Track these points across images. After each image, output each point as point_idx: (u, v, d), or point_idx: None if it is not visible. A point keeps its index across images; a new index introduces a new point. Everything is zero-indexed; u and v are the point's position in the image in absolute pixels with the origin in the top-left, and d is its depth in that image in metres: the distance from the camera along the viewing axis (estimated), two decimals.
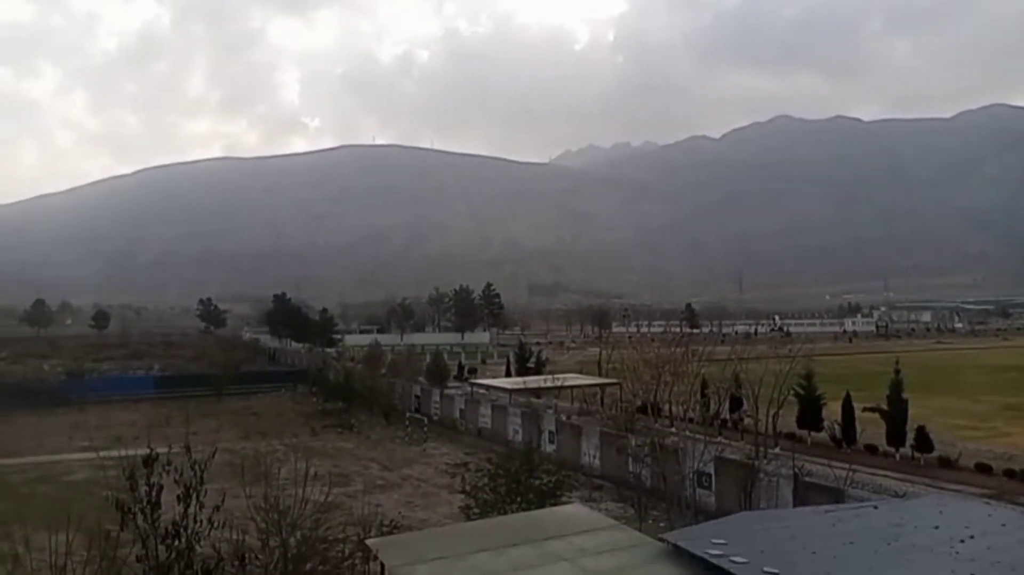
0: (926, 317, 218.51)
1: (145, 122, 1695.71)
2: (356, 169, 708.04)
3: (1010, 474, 35.23)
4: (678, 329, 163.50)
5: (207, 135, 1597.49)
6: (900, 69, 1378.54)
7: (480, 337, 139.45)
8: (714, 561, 12.19)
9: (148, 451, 12.14)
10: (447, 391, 56.18)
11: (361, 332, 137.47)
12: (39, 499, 29.54)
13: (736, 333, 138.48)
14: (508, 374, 68.85)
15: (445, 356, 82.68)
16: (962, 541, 16.15)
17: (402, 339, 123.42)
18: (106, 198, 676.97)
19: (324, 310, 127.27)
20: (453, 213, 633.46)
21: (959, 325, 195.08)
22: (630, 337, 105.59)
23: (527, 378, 55.34)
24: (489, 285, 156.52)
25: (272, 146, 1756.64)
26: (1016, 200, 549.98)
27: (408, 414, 50.52)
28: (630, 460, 30.45)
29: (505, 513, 19.53)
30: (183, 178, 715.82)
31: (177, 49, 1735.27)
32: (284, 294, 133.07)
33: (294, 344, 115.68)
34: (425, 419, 49.12)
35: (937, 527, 17.20)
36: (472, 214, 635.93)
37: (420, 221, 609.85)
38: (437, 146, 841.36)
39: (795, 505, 23.30)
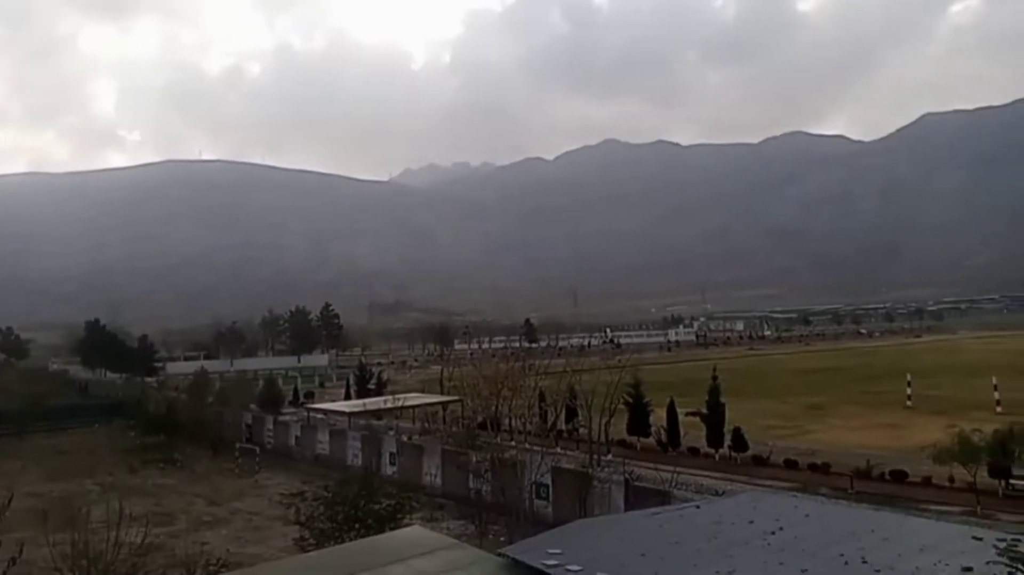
0: (739, 326, 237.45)
1: None
2: (181, 186, 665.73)
3: (813, 468, 38.94)
4: (518, 344, 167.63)
5: (10, 148, 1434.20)
6: (713, 98, 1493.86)
7: (318, 360, 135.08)
8: (550, 571, 12.41)
9: None
10: (281, 418, 53.79)
11: (186, 359, 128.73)
12: None
13: (572, 346, 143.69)
14: (348, 397, 67.19)
15: (280, 381, 79.36)
16: (773, 533, 17.62)
17: (232, 365, 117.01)
18: None
19: (144, 336, 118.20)
20: (288, 232, 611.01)
21: (768, 333, 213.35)
22: (471, 354, 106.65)
23: (367, 400, 54.29)
24: (327, 305, 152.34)
25: (86, 160, 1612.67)
26: (813, 220, 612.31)
27: (238, 444, 47.83)
28: (471, 477, 30.60)
29: (342, 541, 18.98)
30: None
31: None
32: (98, 320, 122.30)
33: (110, 374, 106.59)
34: (257, 449, 46.71)
35: (752, 522, 18.65)
36: (309, 233, 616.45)
37: (252, 240, 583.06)
38: (269, 162, 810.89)
39: (626, 509, 24.37)
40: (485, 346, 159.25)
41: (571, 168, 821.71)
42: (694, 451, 44.43)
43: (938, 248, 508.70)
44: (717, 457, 43.12)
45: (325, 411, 53.05)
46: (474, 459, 30.74)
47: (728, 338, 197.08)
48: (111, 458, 49.83)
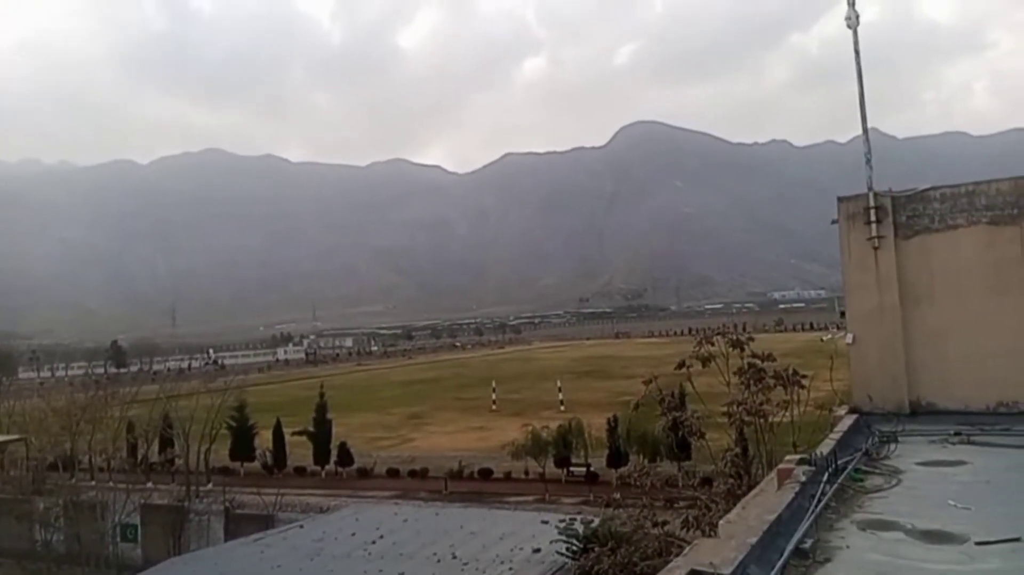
0: (349, 342, 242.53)
1: None
2: None
3: (413, 474, 41.45)
4: (102, 370, 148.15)
5: None
6: (321, 117, 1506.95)
7: None
8: None
9: None
10: None
11: None
12: None
13: (169, 370, 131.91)
14: None
15: None
16: (374, 542, 18.44)
17: None
18: None
19: None
20: None
21: (375, 348, 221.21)
22: (42, 383, 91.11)
23: None
24: None
25: None
26: (416, 241, 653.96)
27: None
28: (38, 527, 26.18)
29: None
30: None
31: None
32: None
33: None
34: None
35: (354, 534, 19.25)
36: None
37: None
38: None
39: (227, 539, 23.21)
40: (60, 374, 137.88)
41: (170, 175, 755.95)
42: (301, 470, 44.07)
43: (516, 271, 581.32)
44: (324, 474, 43.37)
45: None
46: (41, 506, 26.37)
47: (338, 355, 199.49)
48: None
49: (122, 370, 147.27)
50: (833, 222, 11.62)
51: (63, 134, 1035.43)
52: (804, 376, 13.45)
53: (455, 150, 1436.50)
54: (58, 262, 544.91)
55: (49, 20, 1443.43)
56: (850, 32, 11.37)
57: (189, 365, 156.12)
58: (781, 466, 7.22)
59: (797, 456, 7.48)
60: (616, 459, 37.42)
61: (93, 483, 34.70)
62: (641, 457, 35.20)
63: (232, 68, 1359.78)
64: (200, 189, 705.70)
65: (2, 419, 45.35)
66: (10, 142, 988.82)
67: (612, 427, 38.16)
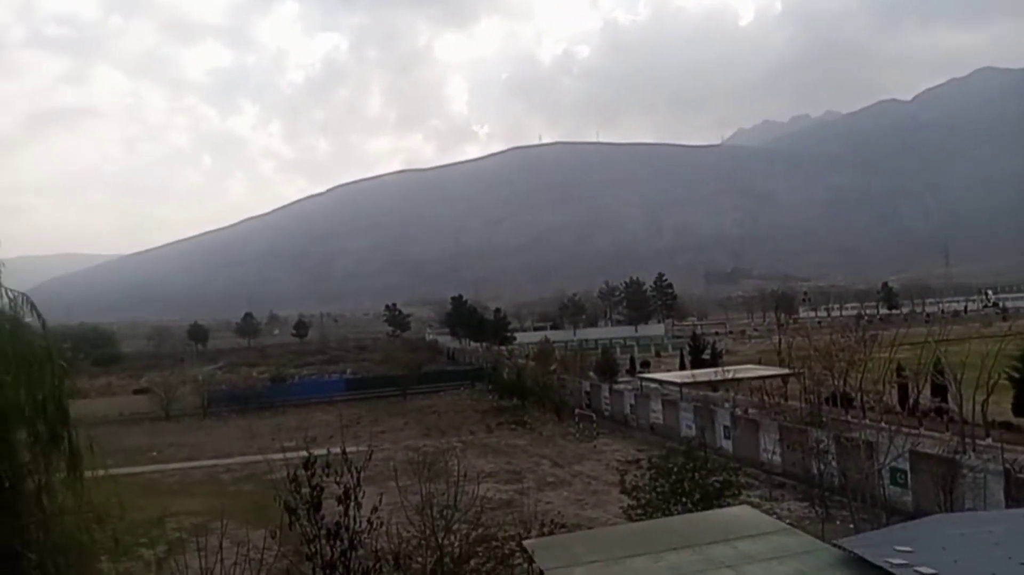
0: None
1: (333, 144, 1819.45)
2: (525, 170, 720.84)
3: None
4: (874, 311, 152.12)
5: (388, 151, 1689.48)
6: None
7: (654, 329, 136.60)
8: (895, 571, 10.85)
9: (307, 454, 11.94)
10: (616, 386, 55.38)
11: (535, 329, 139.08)
12: (243, 496, 32.50)
13: (943, 312, 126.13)
14: (682, 367, 67.12)
15: (618, 350, 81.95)
16: None
17: (575, 334, 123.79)
18: (303, 217, 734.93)
19: (498, 310, 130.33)
20: (623, 204, 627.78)
21: None
22: (820, 322, 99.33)
23: (696, 371, 53.40)
24: (661, 276, 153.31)
25: (447, 155, 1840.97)
26: None
27: (577, 410, 50.42)
28: (812, 456, 28.37)
29: (669, 514, 18.81)
30: (369, 193, 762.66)
31: (356, 74, 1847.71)
32: (461, 296, 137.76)
33: (472, 343, 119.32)
34: (594, 415, 48.68)
35: None
36: (643, 204, 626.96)
37: (590, 215, 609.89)
38: (603, 139, 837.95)
39: (1008, 505, 20.54)
40: (835, 314, 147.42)
41: (934, 107, 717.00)
42: None
43: None
44: None
45: (658, 381, 53.29)
46: (815, 437, 28.44)
47: None
48: (472, 418, 55.92)
49: (893, 311, 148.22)
50: None
51: (826, 87, 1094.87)
52: None
53: None
54: (827, 207, 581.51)
55: None
56: None
57: (965, 307, 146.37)
58: None
59: None
60: None
61: (865, 422, 35.74)
62: None
63: None
64: (970, 116, 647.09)
65: (783, 354, 50.97)
66: (781, 104, 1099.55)
67: None
